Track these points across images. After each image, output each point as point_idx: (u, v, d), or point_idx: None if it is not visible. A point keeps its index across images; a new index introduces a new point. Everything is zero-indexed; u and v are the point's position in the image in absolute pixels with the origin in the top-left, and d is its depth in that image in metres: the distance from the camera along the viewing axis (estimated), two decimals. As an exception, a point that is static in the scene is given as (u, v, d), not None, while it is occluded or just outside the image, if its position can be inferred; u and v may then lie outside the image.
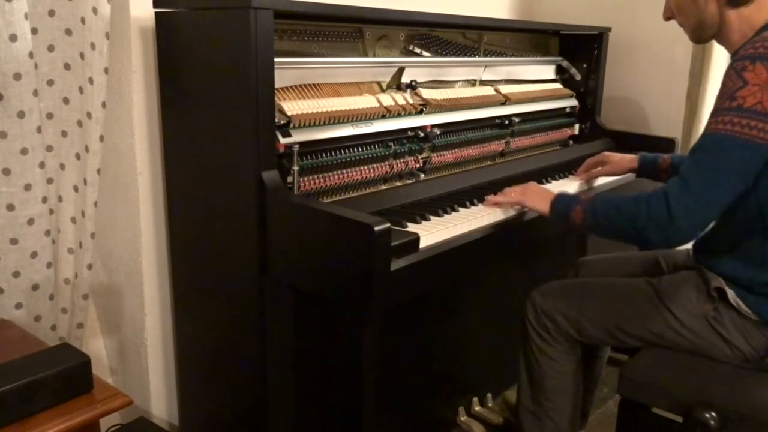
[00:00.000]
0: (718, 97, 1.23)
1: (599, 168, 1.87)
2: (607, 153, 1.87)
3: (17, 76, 1.26)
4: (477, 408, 2.00)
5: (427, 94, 1.72)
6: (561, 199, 1.42)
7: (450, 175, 1.77)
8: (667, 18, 1.43)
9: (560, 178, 1.93)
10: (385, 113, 1.58)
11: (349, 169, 1.49)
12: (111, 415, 1.10)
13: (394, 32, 1.75)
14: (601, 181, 1.90)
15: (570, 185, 1.83)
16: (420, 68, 1.76)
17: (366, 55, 1.68)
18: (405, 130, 1.62)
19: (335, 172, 1.46)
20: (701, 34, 1.38)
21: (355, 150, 1.50)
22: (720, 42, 1.38)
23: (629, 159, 1.82)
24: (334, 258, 1.20)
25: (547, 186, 1.83)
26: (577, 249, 2.44)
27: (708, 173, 1.19)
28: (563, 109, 2.30)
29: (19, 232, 1.34)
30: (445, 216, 1.46)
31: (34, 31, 1.32)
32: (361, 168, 1.52)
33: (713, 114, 1.22)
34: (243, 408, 1.47)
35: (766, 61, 1.15)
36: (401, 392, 1.76)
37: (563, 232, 1.46)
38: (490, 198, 1.56)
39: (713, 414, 1.25)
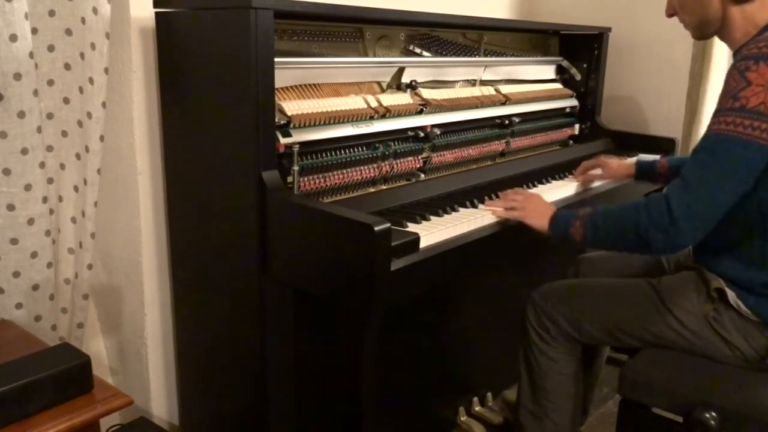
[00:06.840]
0: (720, 97, 1.22)
1: (596, 172, 1.87)
2: (604, 158, 1.87)
3: (17, 76, 1.26)
4: (477, 408, 2.00)
5: (427, 94, 1.71)
6: (559, 217, 1.41)
7: (450, 175, 1.77)
8: (670, 15, 1.41)
9: (560, 178, 1.93)
10: (385, 113, 1.58)
11: (349, 169, 1.49)
12: (111, 415, 1.10)
13: (394, 32, 1.75)
14: (599, 182, 1.90)
15: (568, 186, 1.83)
16: (420, 68, 1.76)
17: (366, 55, 1.68)
18: (405, 130, 1.62)
19: (335, 172, 1.46)
20: (704, 31, 1.37)
21: (355, 150, 1.50)
22: (722, 38, 1.37)
23: (626, 165, 1.81)
24: (334, 258, 1.20)
25: (548, 186, 1.83)
26: (577, 248, 2.43)
27: (710, 173, 1.18)
28: (563, 109, 2.30)
29: (19, 232, 1.34)
30: (445, 216, 1.46)
31: (34, 31, 1.32)
32: (362, 168, 1.52)
33: (716, 114, 1.21)
34: (243, 408, 1.47)
35: None
36: (401, 392, 1.75)
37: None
38: (490, 203, 1.56)
39: (713, 414, 1.25)
